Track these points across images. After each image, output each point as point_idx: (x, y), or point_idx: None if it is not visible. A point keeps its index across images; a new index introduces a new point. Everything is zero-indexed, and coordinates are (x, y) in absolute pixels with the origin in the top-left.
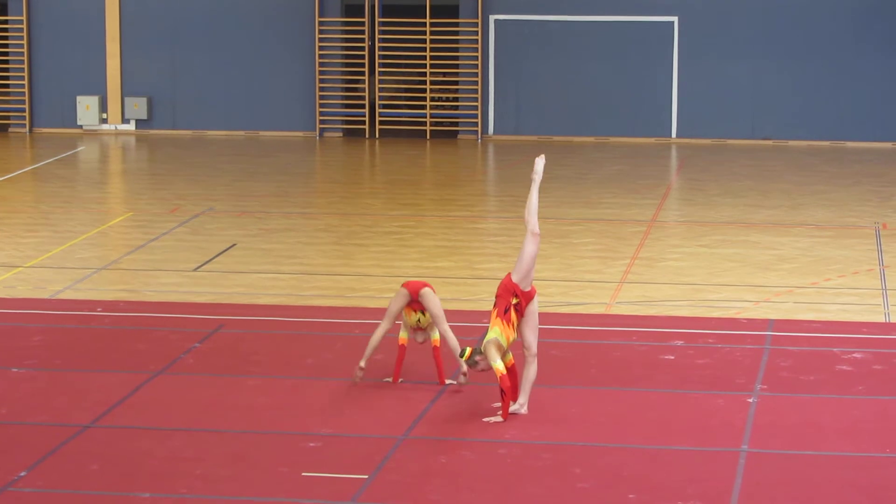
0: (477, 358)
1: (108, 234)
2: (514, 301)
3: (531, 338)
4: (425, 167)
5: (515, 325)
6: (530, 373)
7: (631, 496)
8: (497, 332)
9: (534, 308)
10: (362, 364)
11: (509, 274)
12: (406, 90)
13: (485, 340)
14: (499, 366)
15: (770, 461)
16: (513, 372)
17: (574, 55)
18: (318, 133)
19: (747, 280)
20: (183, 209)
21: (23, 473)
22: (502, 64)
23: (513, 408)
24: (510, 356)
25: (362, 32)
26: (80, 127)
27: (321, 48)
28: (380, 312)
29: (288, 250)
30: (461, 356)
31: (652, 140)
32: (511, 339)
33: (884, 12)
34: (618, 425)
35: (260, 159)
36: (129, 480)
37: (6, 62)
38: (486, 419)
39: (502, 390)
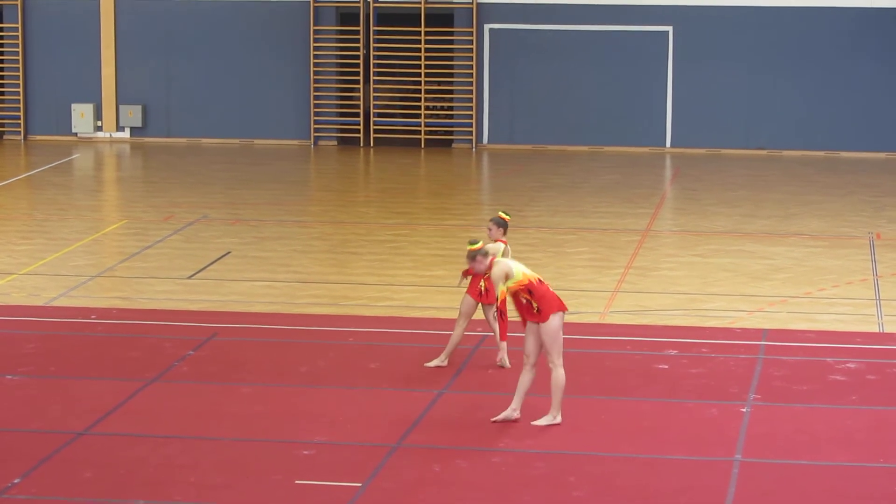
0: (480, 256)
1: (103, 241)
2: (525, 297)
3: (532, 346)
4: (419, 176)
5: (516, 308)
6: (525, 380)
7: None
8: (513, 273)
9: (546, 329)
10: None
11: (536, 278)
12: (401, 99)
13: (497, 261)
14: (502, 288)
15: (763, 471)
16: (503, 315)
17: (569, 64)
18: (312, 141)
19: (741, 290)
20: (177, 217)
21: (17, 480)
22: (497, 73)
23: (505, 413)
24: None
25: (357, 41)
26: (75, 134)
27: (316, 56)
28: (373, 321)
29: (282, 258)
30: (469, 242)
31: (646, 149)
32: (512, 287)
33: (878, 23)
34: (611, 434)
35: (254, 167)
36: (123, 488)
37: (1, 69)
38: (493, 419)
39: (500, 311)
